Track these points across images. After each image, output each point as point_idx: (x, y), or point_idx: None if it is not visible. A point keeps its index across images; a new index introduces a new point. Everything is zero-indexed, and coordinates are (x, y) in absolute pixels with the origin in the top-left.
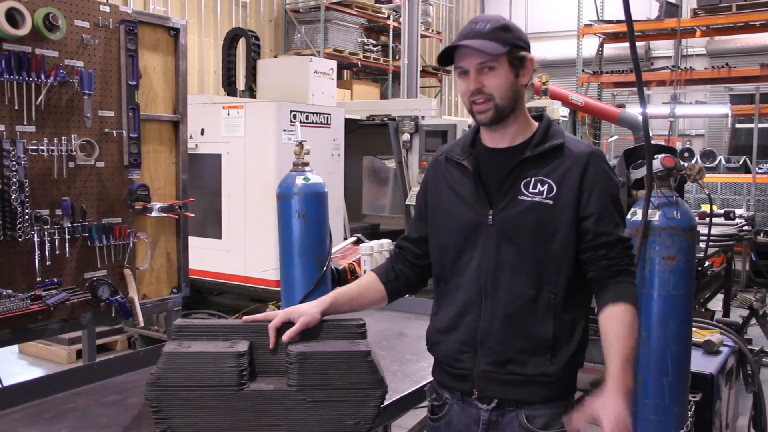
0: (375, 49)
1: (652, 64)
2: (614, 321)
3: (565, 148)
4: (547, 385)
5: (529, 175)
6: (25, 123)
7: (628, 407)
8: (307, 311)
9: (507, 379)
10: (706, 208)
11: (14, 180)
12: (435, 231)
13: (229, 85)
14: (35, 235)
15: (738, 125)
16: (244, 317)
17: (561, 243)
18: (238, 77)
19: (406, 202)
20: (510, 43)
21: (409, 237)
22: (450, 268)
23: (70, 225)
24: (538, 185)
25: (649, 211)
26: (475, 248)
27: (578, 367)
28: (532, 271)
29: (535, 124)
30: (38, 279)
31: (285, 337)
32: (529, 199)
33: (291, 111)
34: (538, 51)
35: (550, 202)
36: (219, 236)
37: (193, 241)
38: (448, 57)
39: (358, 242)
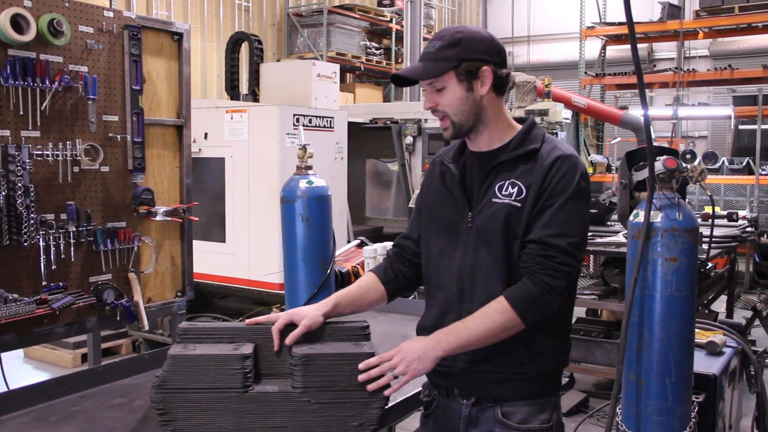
0: (377, 52)
1: (654, 65)
2: (486, 305)
3: (540, 152)
4: (522, 382)
5: (503, 178)
6: (30, 128)
7: (425, 357)
8: (309, 314)
9: (484, 376)
10: (709, 209)
11: (20, 185)
12: (424, 232)
13: (232, 89)
14: (41, 239)
15: (741, 127)
16: (247, 320)
17: (521, 244)
18: (241, 81)
19: (410, 205)
20: (457, 59)
21: (409, 236)
22: (434, 268)
23: (75, 229)
24: (510, 187)
25: (651, 212)
26: (456, 250)
27: (560, 366)
28: (503, 271)
29: (518, 127)
30: (44, 283)
31: (288, 339)
32: (500, 201)
33: (294, 115)
34: (541, 53)
35: (519, 204)
36: (223, 240)
37: (197, 244)
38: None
39: (361, 245)
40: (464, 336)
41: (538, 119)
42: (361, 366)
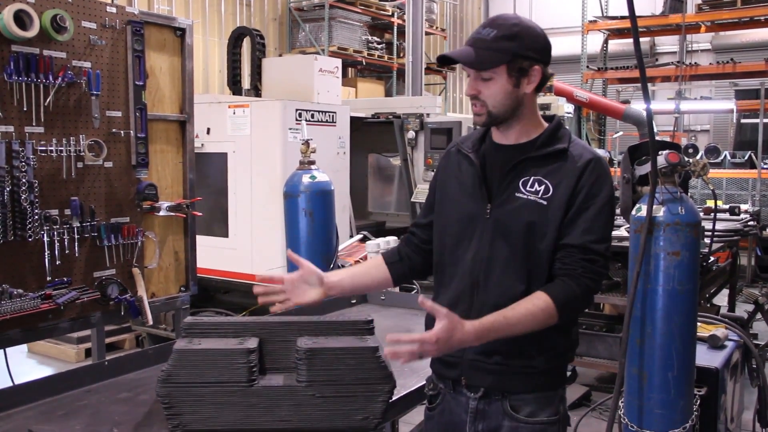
0: (379, 46)
1: (656, 59)
2: (526, 299)
3: (569, 152)
4: (532, 375)
5: (529, 174)
6: (33, 124)
7: (459, 343)
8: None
9: (493, 368)
10: (711, 203)
11: (24, 180)
12: (438, 219)
13: (234, 84)
14: (45, 235)
15: (743, 120)
16: (257, 276)
17: (550, 242)
18: (243, 76)
19: (412, 200)
20: (512, 54)
21: (418, 223)
22: (448, 257)
23: (79, 225)
24: (536, 185)
25: (654, 206)
26: (471, 240)
27: (567, 361)
28: (522, 267)
29: (545, 125)
30: (48, 278)
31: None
32: (525, 197)
33: (296, 109)
34: None
35: (545, 202)
36: (226, 235)
37: (200, 239)
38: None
39: (364, 240)
40: (503, 332)
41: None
42: (403, 338)
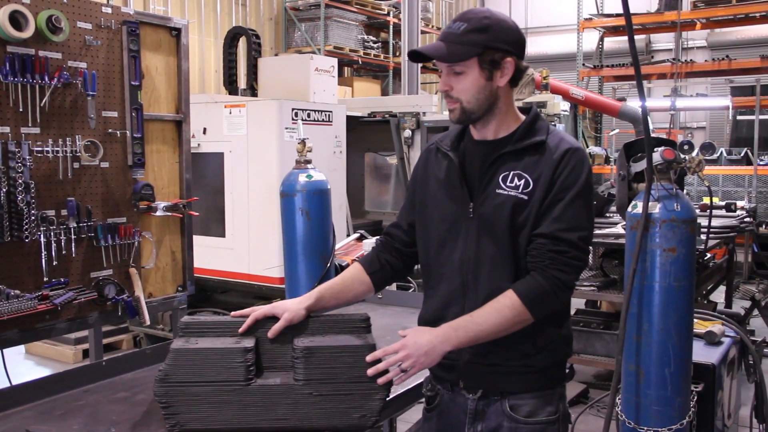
0: (375, 45)
1: (652, 57)
2: (494, 300)
3: (546, 144)
4: (529, 374)
5: (508, 169)
6: (30, 125)
7: (433, 351)
8: (291, 307)
9: (490, 369)
10: (707, 200)
11: (20, 181)
12: (421, 221)
13: (230, 84)
14: (42, 235)
15: (739, 117)
16: (232, 313)
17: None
18: (239, 76)
19: None
20: (483, 46)
21: (397, 224)
22: (434, 259)
23: (75, 225)
24: (515, 179)
25: (650, 203)
26: (457, 240)
27: (564, 357)
28: (509, 264)
29: (522, 118)
30: (45, 279)
31: (270, 333)
32: (505, 193)
33: (293, 109)
34: (539, 45)
35: (525, 197)
36: (222, 234)
37: (196, 239)
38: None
39: (361, 239)
40: (473, 331)
41: None
42: (368, 359)
